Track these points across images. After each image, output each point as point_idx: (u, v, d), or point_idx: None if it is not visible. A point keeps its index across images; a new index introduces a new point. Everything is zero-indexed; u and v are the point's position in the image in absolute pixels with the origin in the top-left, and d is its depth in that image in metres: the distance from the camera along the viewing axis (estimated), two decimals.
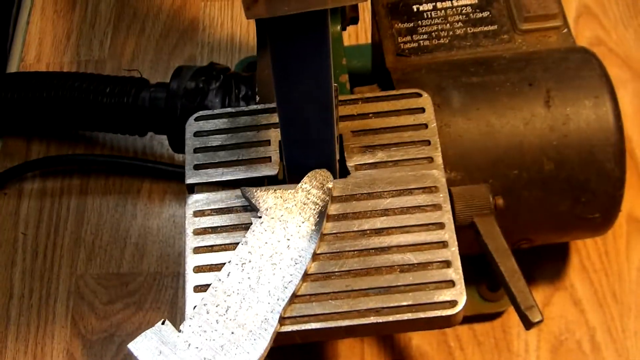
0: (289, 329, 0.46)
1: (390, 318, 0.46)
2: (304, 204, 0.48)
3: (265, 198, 0.49)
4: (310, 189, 0.49)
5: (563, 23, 0.61)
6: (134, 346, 0.44)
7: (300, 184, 0.49)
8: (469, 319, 0.65)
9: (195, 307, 0.46)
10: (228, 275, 0.47)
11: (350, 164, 0.51)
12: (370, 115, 0.53)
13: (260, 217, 0.48)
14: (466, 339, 0.64)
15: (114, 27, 0.82)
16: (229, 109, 0.54)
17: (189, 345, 0.44)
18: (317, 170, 0.49)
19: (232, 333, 0.45)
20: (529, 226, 0.58)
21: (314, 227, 0.48)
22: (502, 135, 0.55)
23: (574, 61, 0.58)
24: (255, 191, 0.49)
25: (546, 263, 0.67)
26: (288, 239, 0.47)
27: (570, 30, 0.61)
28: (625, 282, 0.66)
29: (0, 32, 0.82)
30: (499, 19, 0.61)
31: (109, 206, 0.72)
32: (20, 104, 0.70)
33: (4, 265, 0.70)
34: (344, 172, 0.51)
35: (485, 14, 0.62)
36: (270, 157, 0.52)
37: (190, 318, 0.45)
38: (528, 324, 0.50)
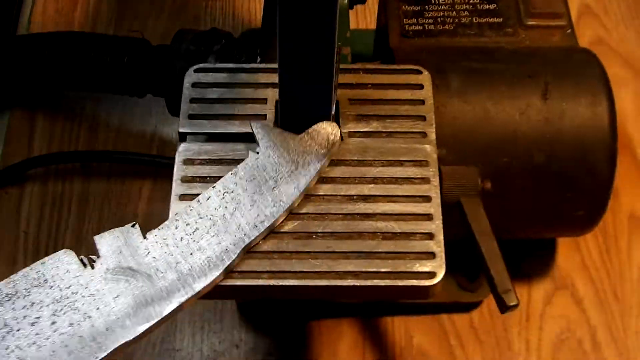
0: (267, 283, 0.46)
1: (368, 282, 0.46)
2: (304, 152, 0.48)
3: (270, 136, 0.49)
4: (315, 139, 0.49)
5: (567, 24, 0.61)
6: (98, 239, 0.45)
7: (305, 132, 0.49)
8: (446, 307, 0.65)
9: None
10: (208, 199, 0.47)
11: (344, 130, 0.51)
12: (369, 85, 0.53)
13: (257, 153, 0.49)
14: (467, 338, 0.64)
15: (115, 27, 0.82)
16: (229, 65, 0.54)
17: (148, 253, 0.45)
18: (326, 122, 0.49)
19: (191, 254, 0.45)
20: (513, 216, 0.58)
21: (305, 177, 0.48)
22: (497, 122, 0.55)
23: (576, 60, 0.58)
24: (263, 126, 0.49)
25: (547, 262, 0.68)
26: (276, 181, 0.47)
27: (574, 32, 0.61)
28: (626, 281, 0.67)
29: (1, 32, 0.82)
30: (505, 12, 0.62)
31: (110, 205, 0.72)
32: (23, 65, 0.70)
33: (5, 264, 0.68)
34: None
35: (493, 6, 0.62)
36: (265, 115, 0.52)
37: (159, 229, 0.45)
38: (504, 307, 0.50)
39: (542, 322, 0.65)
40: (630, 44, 0.78)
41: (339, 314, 0.65)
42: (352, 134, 0.51)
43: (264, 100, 0.52)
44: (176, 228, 0.46)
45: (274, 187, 0.47)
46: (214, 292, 0.47)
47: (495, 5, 0.62)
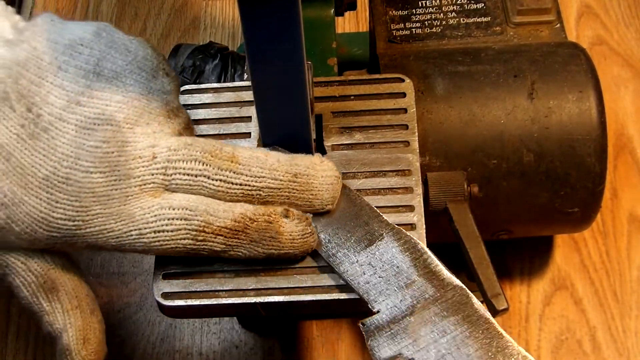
0: (253, 301, 0.47)
1: (353, 295, 0.47)
2: None
3: None
4: None
5: (556, 18, 0.61)
6: None
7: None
8: None
9: None
10: None
11: (327, 143, 0.52)
12: (352, 97, 0.54)
13: None
14: None
15: (116, 27, 0.83)
16: (214, 85, 0.56)
17: None
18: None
19: None
20: (507, 217, 0.58)
21: None
22: (483, 125, 0.56)
23: (562, 55, 0.58)
24: None
25: (546, 263, 0.68)
26: None
27: (562, 26, 0.61)
28: (626, 281, 0.66)
29: None
30: (492, 10, 0.62)
31: None
32: None
33: None
34: (320, 152, 0.52)
35: (480, 5, 0.62)
36: (250, 133, 0.53)
37: None
38: (494, 312, 0.50)
39: (541, 323, 0.65)
40: (630, 44, 0.78)
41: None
42: (335, 147, 0.52)
43: (248, 119, 0.53)
44: None
45: None
46: (202, 310, 0.48)
47: (483, 5, 0.62)
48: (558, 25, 0.61)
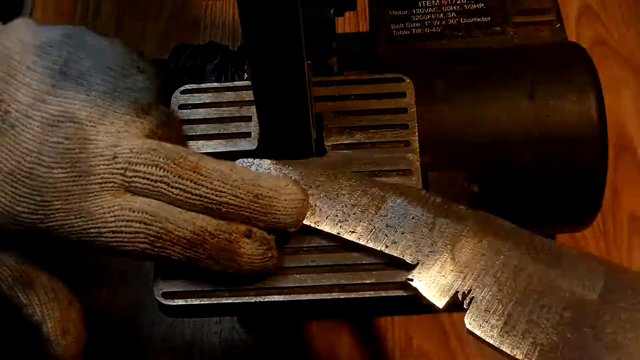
0: (253, 300, 0.47)
1: (353, 295, 0.47)
2: None
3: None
4: None
5: (556, 18, 0.61)
6: None
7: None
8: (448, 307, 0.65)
9: None
10: None
11: (327, 143, 0.52)
12: (352, 97, 0.54)
13: None
14: (467, 338, 0.64)
15: (116, 27, 0.84)
16: (214, 84, 0.55)
17: None
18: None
19: None
20: (507, 217, 0.58)
21: None
22: (484, 125, 0.56)
23: (562, 55, 0.58)
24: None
25: None
26: None
27: (562, 26, 0.61)
28: None
29: None
30: (493, 10, 0.62)
31: None
32: None
33: None
34: (321, 151, 0.52)
35: (480, 5, 0.62)
36: (250, 133, 0.53)
37: None
38: None
39: None
40: (631, 44, 0.78)
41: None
42: (335, 147, 0.52)
43: (248, 118, 0.53)
44: None
45: None
46: (202, 310, 0.48)
47: (483, 5, 0.62)
48: (558, 25, 0.61)
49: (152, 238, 0.45)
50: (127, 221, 0.45)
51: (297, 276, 0.48)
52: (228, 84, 0.55)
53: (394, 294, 0.47)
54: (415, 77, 0.56)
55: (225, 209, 0.46)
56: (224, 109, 0.54)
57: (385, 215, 0.48)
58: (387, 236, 0.47)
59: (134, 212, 0.45)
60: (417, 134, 0.52)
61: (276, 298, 0.47)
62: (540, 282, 0.45)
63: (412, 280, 0.46)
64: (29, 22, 0.50)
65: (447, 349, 0.64)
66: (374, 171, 0.51)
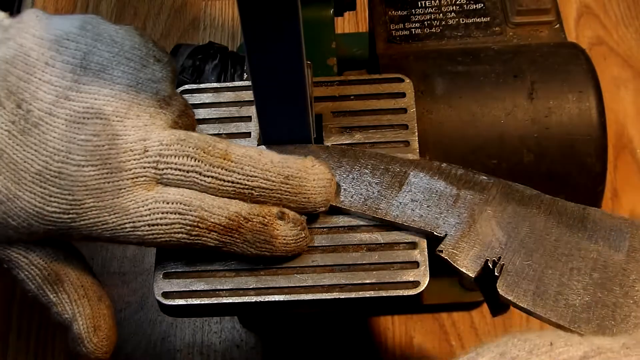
0: (253, 300, 0.47)
1: (353, 295, 0.47)
2: None
3: None
4: None
5: (555, 18, 0.61)
6: None
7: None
8: (449, 307, 0.65)
9: None
10: None
11: (327, 143, 0.52)
12: (352, 97, 0.54)
13: None
14: (467, 338, 0.65)
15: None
16: (214, 84, 0.56)
17: None
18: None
19: None
20: None
21: None
22: (483, 125, 0.56)
23: (562, 55, 0.58)
24: None
25: None
26: None
27: (562, 26, 0.61)
28: None
29: None
30: (492, 11, 0.62)
31: None
32: None
33: None
34: None
35: (479, 5, 0.62)
36: (250, 133, 0.53)
37: None
38: (495, 312, 0.50)
39: (542, 323, 0.64)
40: (630, 45, 0.78)
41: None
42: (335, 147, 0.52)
43: (248, 118, 0.53)
44: None
45: None
46: (203, 310, 0.48)
47: (482, 5, 0.62)
48: (557, 25, 0.61)
49: (188, 227, 0.45)
50: (163, 213, 0.45)
51: (297, 276, 0.48)
52: (228, 84, 0.55)
53: (393, 294, 0.47)
54: (415, 77, 0.56)
55: (257, 193, 0.46)
56: (224, 109, 0.54)
57: (409, 191, 0.49)
58: (413, 210, 0.48)
59: (168, 203, 0.46)
60: (416, 134, 0.52)
61: (276, 298, 0.47)
62: (567, 245, 0.46)
63: (441, 251, 0.47)
64: (39, 14, 0.49)
65: (448, 348, 0.64)
66: None
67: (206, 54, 0.67)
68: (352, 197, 0.49)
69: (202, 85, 0.55)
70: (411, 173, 0.49)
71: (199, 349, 0.65)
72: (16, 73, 0.46)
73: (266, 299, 0.47)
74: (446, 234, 0.47)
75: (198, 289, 0.48)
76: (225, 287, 0.47)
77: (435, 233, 0.48)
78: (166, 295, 0.48)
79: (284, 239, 0.47)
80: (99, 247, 0.71)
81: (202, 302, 0.47)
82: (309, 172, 0.47)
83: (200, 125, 0.53)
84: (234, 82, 0.55)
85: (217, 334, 0.65)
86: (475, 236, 0.47)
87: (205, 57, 0.66)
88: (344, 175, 0.50)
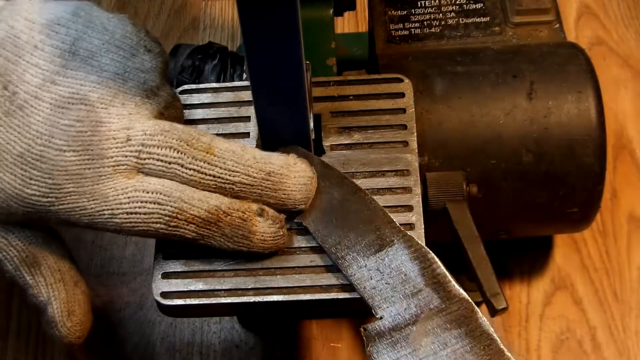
0: (252, 300, 0.47)
1: (352, 295, 0.47)
2: None
3: None
4: None
5: (555, 18, 0.61)
6: None
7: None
8: None
9: None
10: None
11: (326, 143, 0.52)
12: (351, 97, 0.54)
13: None
14: None
15: None
16: (213, 84, 0.56)
17: None
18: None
19: None
20: (506, 217, 0.58)
21: None
22: (482, 125, 0.56)
23: (561, 55, 0.58)
24: None
25: (546, 263, 0.68)
26: None
27: (562, 26, 0.61)
28: (626, 281, 0.67)
29: None
30: (492, 11, 0.62)
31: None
32: None
33: None
34: (319, 152, 0.52)
35: (479, 5, 0.62)
36: (249, 133, 0.53)
37: None
38: (493, 311, 0.51)
39: (541, 323, 0.65)
40: (630, 44, 0.78)
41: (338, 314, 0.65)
42: (334, 147, 0.52)
43: (247, 118, 0.53)
44: None
45: None
46: (201, 310, 0.48)
47: (482, 5, 0.62)
48: (557, 25, 0.61)
49: (167, 218, 0.45)
50: (142, 202, 0.45)
51: (296, 276, 0.48)
52: (227, 84, 0.55)
53: None
54: (414, 77, 0.56)
55: (238, 188, 0.46)
56: (223, 109, 0.54)
57: (382, 260, 0.47)
58: (371, 279, 0.46)
59: (148, 193, 0.45)
60: (415, 134, 0.52)
61: (275, 298, 0.47)
62: None
63: (365, 330, 0.45)
64: None
65: None
66: (372, 171, 0.51)
67: (206, 54, 0.67)
68: (327, 235, 0.48)
69: (202, 86, 0.55)
70: (395, 245, 0.47)
71: (198, 349, 0.65)
72: (5, 55, 0.46)
73: (265, 299, 0.47)
74: (382, 317, 0.45)
75: (197, 289, 0.48)
76: (224, 287, 0.47)
77: (373, 310, 0.45)
78: (165, 295, 0.48)
79: (262, 236, 0.47)
80: (98, 247, 0.71)
81: (201, 302, 0.47)
82: (290, 169, 0.47)
83: (199, 126, 0.53)
84: (233, 82, 0.55)
85: (216, 334, 0.65)
86: (404, 336, 0.44)
87: (204, 57, 0.67)
88: (332, 220, 0.48)
